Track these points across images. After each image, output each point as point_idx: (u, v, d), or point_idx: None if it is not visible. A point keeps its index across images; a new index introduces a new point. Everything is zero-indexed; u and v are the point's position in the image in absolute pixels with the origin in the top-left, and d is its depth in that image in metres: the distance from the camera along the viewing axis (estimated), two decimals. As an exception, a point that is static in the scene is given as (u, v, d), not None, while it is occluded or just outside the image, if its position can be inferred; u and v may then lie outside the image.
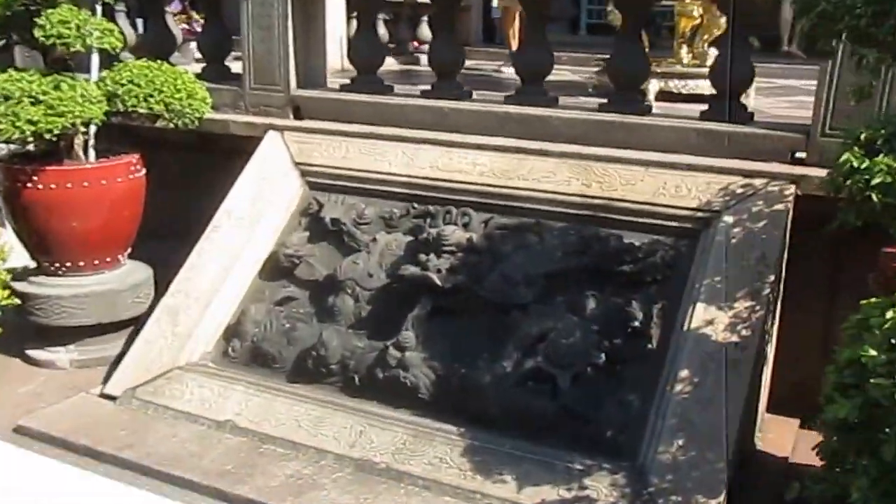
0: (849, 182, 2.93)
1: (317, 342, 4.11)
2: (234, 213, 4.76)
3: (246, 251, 4.63)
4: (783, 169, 4.09)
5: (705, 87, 6.53)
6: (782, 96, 7.45)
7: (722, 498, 3.26)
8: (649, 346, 3.79)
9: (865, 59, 3.19)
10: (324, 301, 4.37)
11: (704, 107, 4.62)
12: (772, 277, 3.73)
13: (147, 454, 3.83)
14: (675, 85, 6.63)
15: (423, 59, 9.10)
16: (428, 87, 5.19)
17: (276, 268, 4.58)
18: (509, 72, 9.07)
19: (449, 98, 5.00)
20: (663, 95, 6.49)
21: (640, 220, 4.13)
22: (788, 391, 4.14)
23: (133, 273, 5.00)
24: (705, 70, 6.86)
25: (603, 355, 3.75)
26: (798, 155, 4.22)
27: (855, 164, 2.89)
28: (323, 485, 3.61)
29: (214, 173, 5.08)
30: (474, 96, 5.19)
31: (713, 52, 7.12)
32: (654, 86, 6.92)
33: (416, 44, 10.03)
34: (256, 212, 4.74)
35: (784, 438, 4.09)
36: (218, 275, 4.56)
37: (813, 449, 2.67)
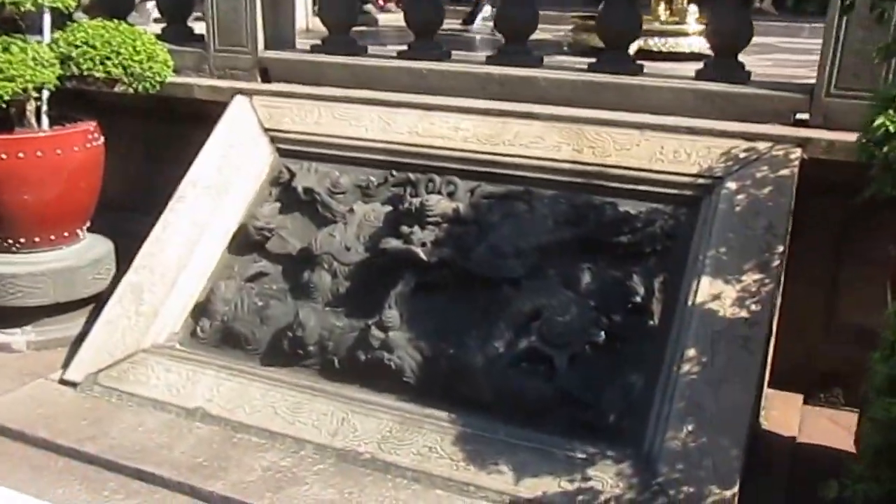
0: (886, 148, 2.62)
1: (292, 322, 3.78)
2: (200, 182, 4.39)
3: (214, 223, 4.27)
4: (787, 131, 3.80)
5: (685, 45, 6.28)
6: (760, 54, 7.17)
7: (737, 488, 3.00)
8: (651, 322, 3.51)
9: (886, 13, 2.92)
10: (299, 277, 4.03)
11: (686, 65, 4.31)
12: (780, 248, 3.45)
13: (111, 447, 3.49)
14: (654, 43, 6.29)
15: (382, 17, 8.78)
16: (404, 47, 4.84)
17: (247, 241, 4.22)
18: (477, 28, 8.78)
19: (428, 58, 4.64)
20: (642, 54, 6.16)
21: (637, 187, 3.82)
22: (790, 365, 3.89)
23: (93, 248, 4.66)
24: (685, 27, 6.61)
25: (602, 333, 3.46)
26: (799, 116, 3.94)
27: (892, 128, 2.59)
28: (303, 478, 3.29)
29: (178, 141, 4.73)
30: (453, 56, 4.86)
31: (693, 10, 6.84)
32: (632, 45, 6.64)
33: (381, 2, 9.63)
34: (224, 181, 4.37)
35: (789, 416, 3.84)
36: (184, 249, 4.20)
37: (855, 444, 2.39)
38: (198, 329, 4.02)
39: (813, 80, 3.91)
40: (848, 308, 4.02)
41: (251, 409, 3.61)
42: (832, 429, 3.90)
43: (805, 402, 4.00)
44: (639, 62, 4.45)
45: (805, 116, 3.92)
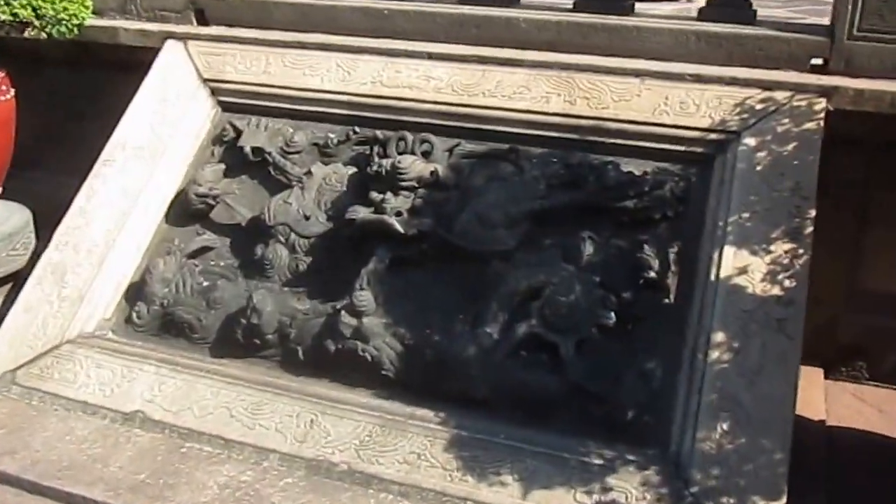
0: None
1: (246, 306, 3.12)
2: (129, 143, 3.66)
3: (147, 190, 3.56)
4: (807, 79, 3.24)
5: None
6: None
7: (785, 499, 2.49)
8: (666, 300, 2.95)
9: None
10: (250, 251, 3.37)
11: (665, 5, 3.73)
12: (811, 212, 2.91)
13: (33, 463, 2.81)
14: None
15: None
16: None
17: (187, 210, 3.53)
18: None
19: (389, -4, 3.97)
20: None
21: (639, 143, 3.22)
22: (809, 336, 3.37)
23: (6, 218, 3.94)
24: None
25: (612, 314, 2.90)
26: (814, 61, 3.40)
27: None
28: (268, 496, 2.67)
29: (103, 93, 4.02)
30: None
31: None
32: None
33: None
34: (158, 141, 3.65)
35: (813, 394, 3.34)
36: (114, 221, 3.49)
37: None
38: (133, 315, 3.33)
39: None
40: (871, 274, 3.55)
41: (201, 412, 2.98)
42: (860, 407, 3.46)
43: (826, 376, 3.53)
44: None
45: (818, 62, 3.40)
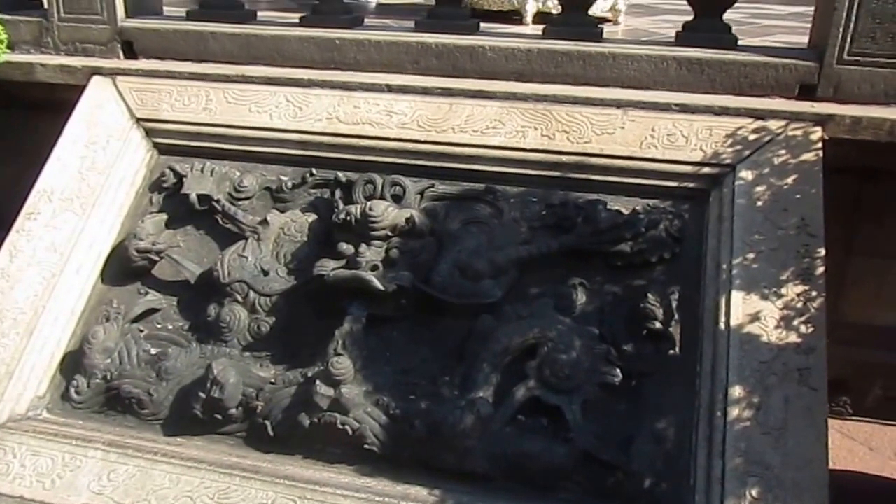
0: None
1: (205, 376, 2.72)
2: (56, 192, 3.21)
3: (79, 247, 3.11)
4: (801, 107, 3.02)
5: (596, 7, 5.47)
6: (648, 15, 6.55)
7: (829, 573, 2.25)
8: (672, 351, 2.68)
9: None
10: (202, 312, 2.98)
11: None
12: (821, 251, 2.69)
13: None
14: (555, 4, 5.47)
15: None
16: (306, 14, 3.77)
17: (126, 268, 3.11)
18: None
19: (338, 25, 3.61)
20: (541, 17, 5.33)
21: (626, 179, 2.97)
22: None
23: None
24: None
25: (618, 371, 2.62)
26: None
27: None
28: None
29: (22, 136, 3.58)
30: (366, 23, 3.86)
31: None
32: (531, 6, 5.80)
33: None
34: (88, 190, 3.22)
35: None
36: (42, 284, 3.04)
37: None
38: (71, 390, 2.89)
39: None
40: (853, 306, 3.37)
41: (161, 503, 2.57)
42: (851, 446, 3.28)
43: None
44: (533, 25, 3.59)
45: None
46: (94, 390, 2.88)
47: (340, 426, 2.59)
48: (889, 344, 3.38)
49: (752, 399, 2.48)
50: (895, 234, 3.27)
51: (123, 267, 3.11)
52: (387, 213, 2.86)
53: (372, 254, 2.80)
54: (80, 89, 3.45)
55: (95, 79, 3.48)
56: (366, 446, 2.60)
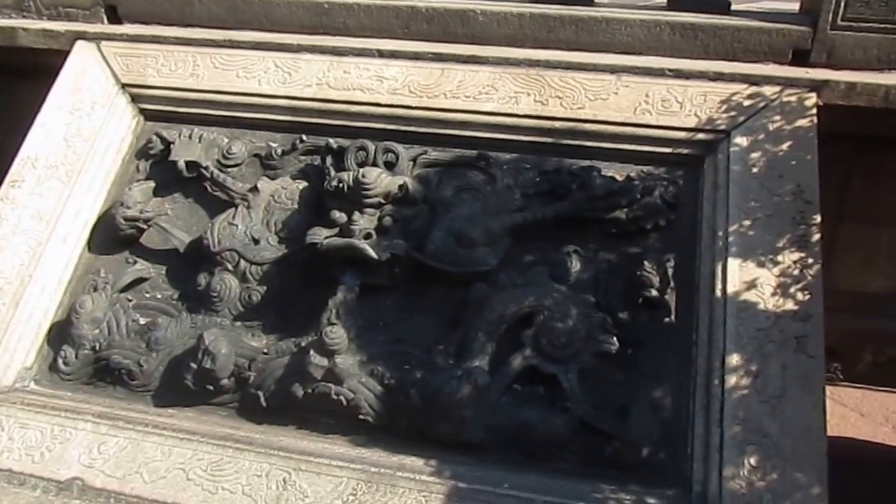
0: None
1: (196, 346, 2.67)
2: (40, 160, 3.12)
3: (65, 215, 3.03)
4: (795, 73, 2.96)
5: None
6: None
7: (827, 539, 2.24)
8: (667, 319, 2.64)
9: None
10: (192, 282, 2.91)
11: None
12: (817, 218, 2.65)
13: (-48, 554, 2.35)
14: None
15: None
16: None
17: (114, 237, 3.03)
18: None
19: (326, -12, 3.52)
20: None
21: (620, 146, 2.90)
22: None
23: None
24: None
25: (615, 339, 2.58)
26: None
27: None
28: (243, 575, 2.29)
29: (6, 104, 3.44)
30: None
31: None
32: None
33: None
34: (74, 157, 3.13)
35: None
36: (28, 253, 2.96)
37: None
38: (59, 361, 2.83)
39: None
40: (845, 273, 3.34)
41: (152, 476, 2.51)
42: (842, 412, 3.28)
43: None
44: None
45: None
46: (82, 361, 2.81)
47: (335, 396, 2.54)
48: (879, 310, 3.36)
49: (749, 367, 2.45)
50: (886, 200, 3.23)
51: (111, 235, 3.04)
52: (380, 181, 2.79)
53: (365, 222, 2.74)
54: (63, 55, 3.34)
55: (79, 44, 3.37)
56: (360, 417, 2.56)
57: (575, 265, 2.74)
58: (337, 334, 2.58)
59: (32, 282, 2.93)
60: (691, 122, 2.89)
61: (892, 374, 3.40)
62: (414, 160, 2.95)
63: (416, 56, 3.18)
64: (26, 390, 2.80)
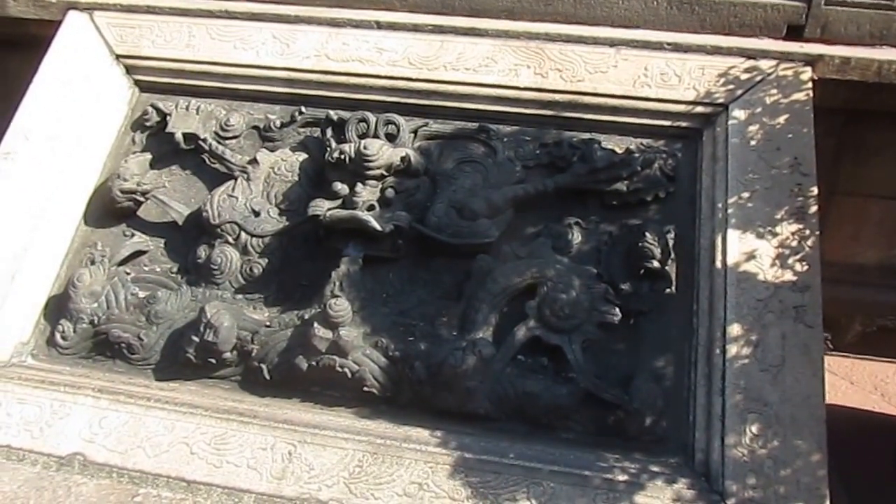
0: None
1: (197, 319, 2.55)
2: (34, 132, 2.96)
3: (61, 188, 2.87)
4: (791, 47, 2.87)
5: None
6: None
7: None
8: (668, 290, 2.55)
9: None
10: (192, 254, 2.78)
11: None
12: (814, 189, 2.58)
13: (-47, 531, 2.23)
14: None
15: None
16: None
17: (110, 209, 2.88)
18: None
19: (321, -40, 3.37)
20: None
21: (619, 119, 2.81)
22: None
23: None
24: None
25: (617, 310, 2.50)
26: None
27: None
28: (250, 548, 2.19)
29: (-5, 76, 3.29)
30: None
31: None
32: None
33: None
34: (68, 129, 2.96)
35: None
36: (23, 226, 2.80)
37: None
38: (57, 335, 2.69)
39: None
40: (835, 244, 3.29)
41: (155, 450, 2.40)
42: (832, 380, 3.23)
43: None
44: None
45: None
46: (80, 335, 2.67)
47: (339, 369, 2.44)
48: (868, 281, 3.32)
49: (749, 336, 2.38)
50: (876, 173, 3.17)
51: (107, 208, 2.89)
52: (382, 152, 2.67)
53: (368, 193, 2.63)
54: (54, 25, 3.16)
55: (71, 14, 3.19)
56: (365, 388, 2.45)
57: (576, 237, 2.65)
58: (341, 306, 2.47)
59: (27, 256, 2.77)
60: (690, 96, 2.79)
61: (881, 343, 3.36)
62: (415, 132, 2.83)
63: (415, 28, 3.04)
64: (23, 365, 2.66)
